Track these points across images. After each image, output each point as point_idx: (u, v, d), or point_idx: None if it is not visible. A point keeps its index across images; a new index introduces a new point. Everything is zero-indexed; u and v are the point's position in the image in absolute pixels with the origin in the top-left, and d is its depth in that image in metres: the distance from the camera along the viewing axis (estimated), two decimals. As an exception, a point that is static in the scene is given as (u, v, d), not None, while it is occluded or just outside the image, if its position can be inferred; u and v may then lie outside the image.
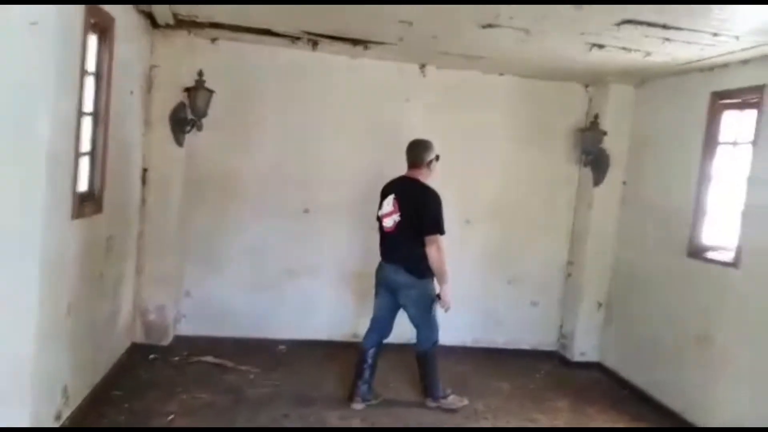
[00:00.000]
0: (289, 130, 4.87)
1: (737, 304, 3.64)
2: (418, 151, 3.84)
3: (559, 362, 5.15)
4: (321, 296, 5.02)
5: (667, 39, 3.39)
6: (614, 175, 4.98)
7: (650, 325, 4.46)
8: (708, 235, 4.01)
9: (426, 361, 3.97)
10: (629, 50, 3.72)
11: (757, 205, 3.55)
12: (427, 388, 3.99)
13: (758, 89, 3.61)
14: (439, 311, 3.89)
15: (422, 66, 4.96)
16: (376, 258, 4.11)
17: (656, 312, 4.41)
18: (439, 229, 3.70)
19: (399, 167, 4.96)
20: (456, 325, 5.05)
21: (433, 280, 3.80)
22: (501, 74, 5.07)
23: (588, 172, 5.09)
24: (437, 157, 3.91)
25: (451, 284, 3.80)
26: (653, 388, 4.37)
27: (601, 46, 3.68)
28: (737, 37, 3.29)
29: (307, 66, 4.81)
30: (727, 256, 3.76)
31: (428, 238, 3.67)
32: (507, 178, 5.20)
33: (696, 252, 4.04)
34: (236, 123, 4.80)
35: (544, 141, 5.19)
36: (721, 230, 3.92)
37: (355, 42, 4.29)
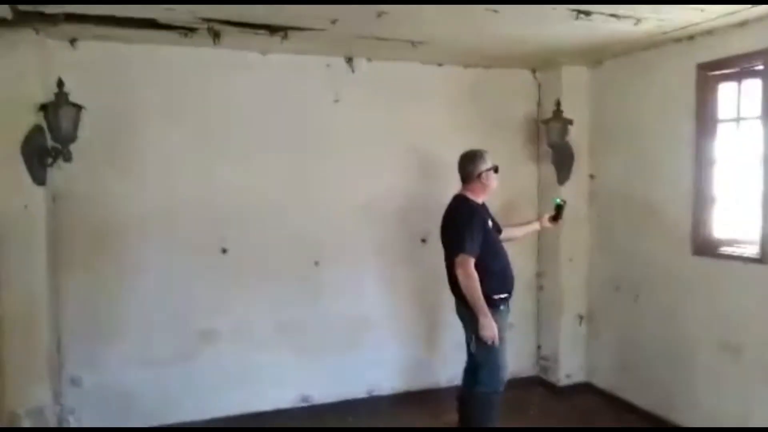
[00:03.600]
0: (188, 150, 3.77)
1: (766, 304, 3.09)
2: (463, 165, 3.41)
3: (545, 389, 4.45)
4: (252, 361, 3.94)
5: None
6: (579, 169, 4.37)
7: (652, 336, 3.87)
8: (720, 228, 3.45)
9: (471, 407, 3.32)
10: (619, 17, 3.05)
11: (781, 188, 3.03)
12: None
13: (763, 53, 3.08)
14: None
15: (349, 60, 4.06)
16: (321, 302, 3.67)
17: (658, 321, 3.82)
18: (461, 247, 3.09)
19: (340, 186, 4.10)
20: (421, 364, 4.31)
21: (494, 309, 3.16)
22: (440, 64, 4.29)
23: (548, 168, 4.44)
24: (495, 169, 3.34)
25: (486, 314, 3.12)
26: (664, 408, 3.77)
27: (587, 13, 2.98)
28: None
29: (206, 67, 3.75)
30: (750, 251, 3.21)
31: (455, 260, 3.16)
32: (454, 186, 4.40)
33: (705, 248, 3.47)
34: (116, 147, 3.64)
35: (495, 137, 4.43)
36: (735, 221, 3.38)
37: (272, 29, 3.28)
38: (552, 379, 4.46)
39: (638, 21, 3.11)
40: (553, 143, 4.20)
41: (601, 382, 4.33)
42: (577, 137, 4.30)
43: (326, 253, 4.09)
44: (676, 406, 3.69)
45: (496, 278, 3.20)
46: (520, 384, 4.49)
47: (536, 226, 3.72)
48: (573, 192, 4.34)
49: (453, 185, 4.30)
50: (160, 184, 3.72)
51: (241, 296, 3.90)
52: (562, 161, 4.28)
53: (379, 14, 3.02)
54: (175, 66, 3.70)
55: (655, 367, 3.85)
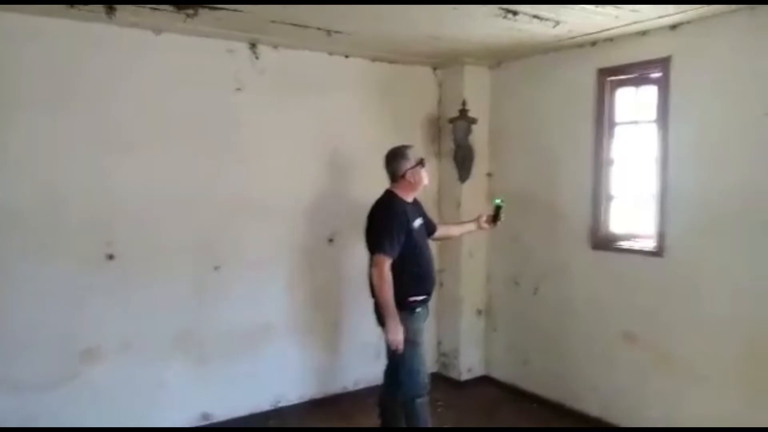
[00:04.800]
0: (67, 141, 3.22)
1: (665, 294, 3.38)
2: (386, 164, 3.24)
3: (447, 385, 4.48)
4: (144, 379, 3.49)
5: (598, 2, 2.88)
6: (478, 167, 4.46)
7: (551, 328, 4.06)
8: (617, 224, 3.71)
9: (388, 413, 3.28)
10: (541, 19, 3.13)
11: (675, 187, 3.31)
12: None
13: (661, 62, 3.34)
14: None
15: (253, 46, 3.74)
16: (221, 310, 3.56)
17: (557, 313, 4.02)
18: (378, 247, 3.00)
19: (242, 183, 3.77)
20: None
21: (409, 312, 3.07)
22: (347, 56, 4.13)
23: (449, 166, 4.48)
24: (421, 162, 3.16)
25: (394, 318, 2.98)
26: (562, 395, 3.99)
27: (515, 13, 3.02)
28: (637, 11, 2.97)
29: (94, 45, 3.23)
30: (647, 244, 3.48)
31: (372, 259, 3.03)
32: (362, 183, 4.28)
33: (604, 243, 3.71)
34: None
35: (400, 133, 4.35)
36: (631, 217, 3.64)
37: (180, 4, 2.88)
38: (453, 374, 4.52)
39: (557, 24, 3.22)
40: (458, 142, 4.24)
41: (502, 374, 4.48)
42: (478, 136, 4.39)
43: (227, 256, 3.74)
44: (574, 392, 3.92)
45: (415, 280, 3.08)
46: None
47: (472, 226, 3.59)
48: (472, 190, 4.44)
49: (361, 182, 4.21)
50: (33, 176, 3.14)
51: (130, 307, 3.43)
52: (464, 160, 4.34)
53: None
54: (58, 42, 3.14)
55: (554, 357, 4.05)
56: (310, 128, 4.00)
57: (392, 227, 3.02)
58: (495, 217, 3.45)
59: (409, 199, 3.22)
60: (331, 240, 4.13)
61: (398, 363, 3.12)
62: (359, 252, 4.20)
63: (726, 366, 3.10)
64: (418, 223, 3.18)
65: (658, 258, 3.39)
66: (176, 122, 3.52)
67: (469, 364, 4.52)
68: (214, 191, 3.66)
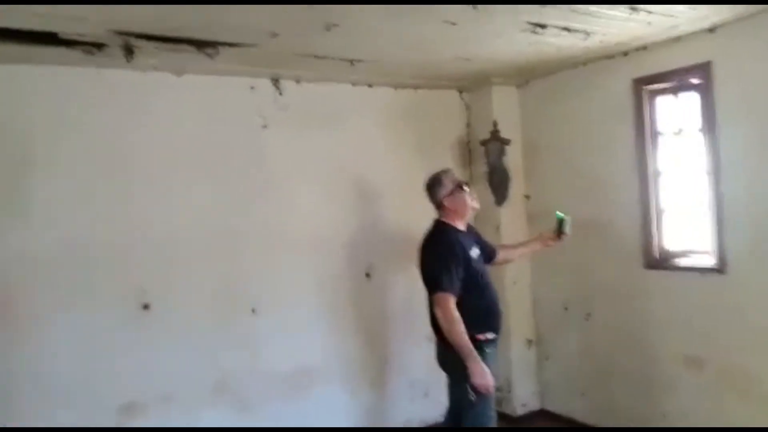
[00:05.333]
0: (91, 189, 3.19)
1: (730, 313, 3.11)
2: (428, 195, 3.03)
3: (503, 421, 4.20)
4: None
5: (633, 11, 2.72)
6: (514, 189, 4.29)
7: (607, 355, 3.80)
8: (672, 240, 3.47)
9: None
10: (570, 31, 2.98)
11: (730, 198, 3.08)
12: None
13: (701, 68, 3.15)
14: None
15: (276, 81, 3.69)
16: (262, 353, 3.43)
17: (613, 338, 3.76)
18: (438, 284, 2.73)
19: (273, 220, 3.69)
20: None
21: (477, 353, 2.73)
22: (370, 86, 4.05)
23: (484, 189, 4.30)
24: (460, 186, 2.95)
25: (475, 359, 2.68)
26: (630, 425, 3.71)
27: (543, 26, 2.88)
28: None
29: (114, 90, 3.22)
30: (706, 261, 3.24)
31: (433, 299, 2.77)
32: (395, 213, 4.16)
33: (658, 261, 3.47)
34: (8, 183, 3.01)
35: (430, 160, 4.21)
36: (686, 232, 3.41)
37: (199, 44, 2.85)
38: (508, 410, 4.26)
39: (587, 35, 3.07)
40: (491, 164, 4.09)
41: (558, 407, 4.20)
42: (511, 158, 4.23)
43: (263, 297, 3.63)
44: (639, 422, 3.63)
45: (481, 316, 2.80)
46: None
47: (537, 245, 3.34)
48: (511, 213, 4.26)
49: (393, 212, 4.09)
50: (59, 227, 3.10)
51: (168, 358, 3.33)
52: (500, 182, 4.18)
53: (328, 27, 2.72)
54: (77, 90, 3.14)
55: (613, 385, 3.78)
56: (338, 161, 3.90)
57: (447, 260, 2.76)
58: (559, 232, 3.19)
59: (461, 226, 2.96)
60: (368, 274, 3.98)
61: (466, 409, 2.80)
62: (398, 285, 4.10)
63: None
64: (475, 252, 2.92)
65: (719, 275, 3.13)
66: (202, 163, 3.47)
67: (523, 398, 4.27)
68: (244, 230, 3.57)
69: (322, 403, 3.77)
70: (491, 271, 3.12)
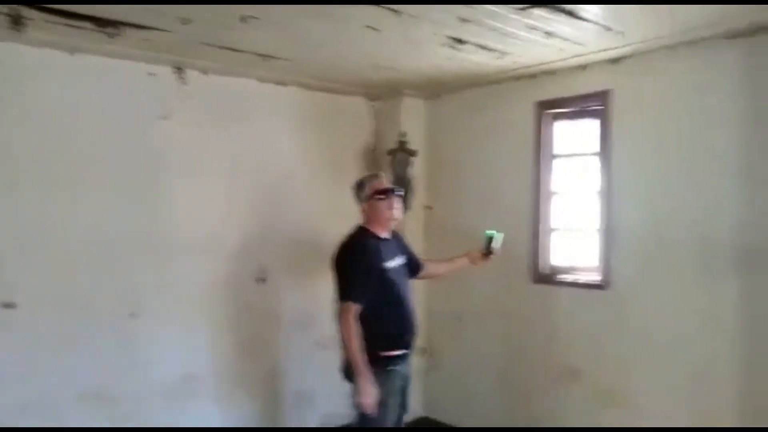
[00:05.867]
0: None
1: (610, 328, 3.34)
2: (354, 194, 2.95)
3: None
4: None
5: (549, 36, 2.84)
6: (416, 200, 4.34)
7: (496, 364, 3.94)
8: (559, 257, 3.67)
9: None
10: (487, 49, 3.07)
11: (618, 219, 3.31)
12: None
13: (601, 95, 3.37)
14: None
15: (179, 70, 3.46)
16: (139, 362, 3.13)
17: (501, 349, 3.91)
18: (343, 293, 2.64)
19: (164, 218, 3.44)
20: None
21: (382, 370, 2.68)
22: (280, 84, 3.92)
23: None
24: (378, 193, 2.80)
25: (364, 377, 2.63)
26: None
27: (462, 42, 2.93)
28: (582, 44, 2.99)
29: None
30: (591, 277, 3.45)
31: (338, 308, 2.68)
32: (296, 217, 4.05)
33: (545, 277, 3.66)
34: None
35: (334, 166, 4.23)
36: (574, 250, 3.61)
37: (101, 23, 2.58)
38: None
39: (503, 55, 3.17)
40: (397, 174, 4.10)
41: (443, 415, 4.29)
42: (415, 169, 4.27)
43: (145, 301, 3.36)
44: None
45: (389, 331, 2.72)
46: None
47: (464, 261, 3.22)
48: (411, 223, 4.30)
49: (293, 216, 3.98)
50: None
51: (32, 363, 2.98)
52: (404, 192, 4.19)
53: (244, 19, 2.58)
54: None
55: (499, 395, 3.93)
56: (240, 159, 3.73)
57: (358, 268, 2.68)
58: (488, 251, 3.14)
59: (383, 234, 2.85)
60: (262, 279, 3.83)
61: (360, 424, 2.75)
62: (293, 291, 4.00)
63: (672, 400, 3.08)
64: (395, 262, 2.83)
65: (602, 291, 3.36)
66: (90, 152, 3.16)
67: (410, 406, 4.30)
68: (129, 228, 3.29)
69: (203, 412, 3.58)
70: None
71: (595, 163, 3.43)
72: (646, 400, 3.17)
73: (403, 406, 2.94)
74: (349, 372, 2.73)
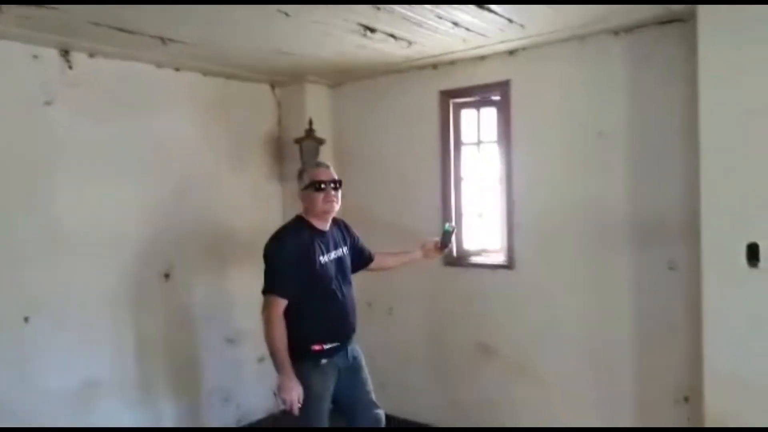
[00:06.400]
0: None
1: (517, 306, 3.53)
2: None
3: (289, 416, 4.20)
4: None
5: (455, 26, 2.92)
6: (324, 189, 4.31)
7: (409, 348, 4.04)
8: (468, 241, 3.80)
9: None
10: (396, 38, 3.09)
11: (519, 203, 3.49)
12: None
13: (500, 86, 3.53)
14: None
15: (65, 53, 3.17)
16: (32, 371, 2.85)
17: (413, 332, 4.01)
18: (267, 284, 2.59)
19: (56, 213, 3.17)
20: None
21: (312, 364, 2.63)
22: (177, 69, 3.71)
23: (294, 189, 4.22)
24: (314, 184, 2.67)
25: (285, 372, 2.55)
26: (423, 414, 3.98)
27: (373, 30, 2.94)
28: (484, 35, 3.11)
29: None
30: (499, 258, 3.62)
31: (263, 300, 2.61)
32: (200, 209, 3.88)
33: (455, 259, 3.79)
34: None
35: (239, 154, 4.10)
36: (482, 233, 3.77)
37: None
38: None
39: (410, 44, 3.22)
40: (306, 163, 4.03)
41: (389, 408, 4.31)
42: (323, 157, 4.23)
43: (41, 304, 3.08)
44: (434, 409, 3.93)
45: (321, 323, 2.63)
46: (278, 419, 4.21)
47: (417, 254, 3.18)
48: (320, 212, 4.27)
49: (197, 208, 3.82)
50: None
51: None
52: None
53: (148, -2, 2.41)
54: None
55: (413, 377, 4.03)
56: (136, 149, 3.48)
57: (285, 260, 2.57)
58: (443, 243, 3.15)
59: (321, 225, 2.73)
60: (167, 275, 3.64)
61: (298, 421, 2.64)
62: (200, 286, 3.84)
63: (576, 369, 3.33)
64: (332, 255, 2.74)
65: (508, 271, 3.54)
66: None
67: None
68: (18, 225, 2.99)
69: (108, 418, 3.35)
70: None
71: (497, 150, 3.59)
72: (554, 370, 3.40)
73: (365, 400, 2.85)
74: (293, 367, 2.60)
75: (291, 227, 2.73)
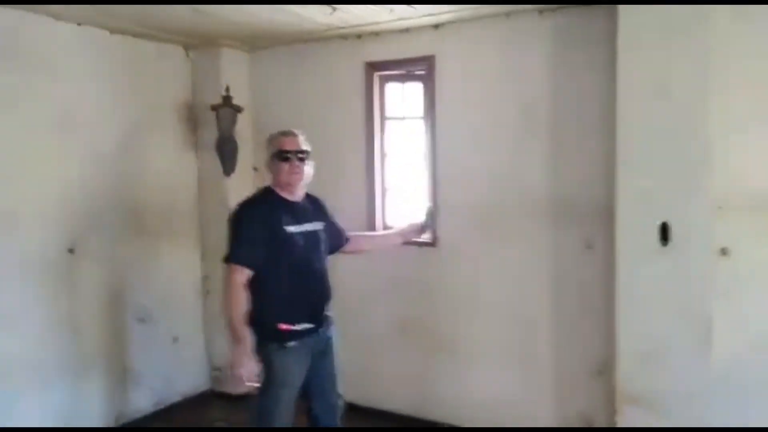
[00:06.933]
0: None
1: (442, 282, 3.54)
2: None
3: (223, 401, 4.06)
4: None
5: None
6: (243, 161, 4.10)
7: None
8: (393, 217, 3.75)
9: None
10: (320, 3, 2.94)
11: (443, 179, 3.48)
12: None
13: (426, 60, 3.46)
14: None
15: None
16: None
17: (337, 309, 3.92)
18: (229, 253, 2.47)
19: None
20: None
21: (278, 345, 2.47)
22: (79, 24, 3.37)
23: (210, 158, 4.03)
24: (279, 153, 2.55)
25: (240, 345, 2.42)
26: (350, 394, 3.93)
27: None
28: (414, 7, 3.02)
29: None
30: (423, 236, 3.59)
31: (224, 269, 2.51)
32: (108, 178, 3.59)
33: (380, 236, 3.73)
34: None
35: (151, 121, 3.83)
36: (408, 209, 3.72)
37: None
38: (228, 388, 4.11)
39: (333, 10, 3.07)
40: (222, 131, 3.82)
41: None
42: (241, 127, 4.03)
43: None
44: (358, 389, 3.88)
45: (289, 301, 2.49)
46: (195, 402, 4.06)
47: (398, 239, 3.17)
48: (238, 184, 4.05)
49: (105, 179, 3.54)
50: None
51: None
52: (230, 152, 3.94)
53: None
54: None
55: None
56: (32, 112, 3.16)
57: (249, 229, 2.46)
58: (425, 225, 3.13)
59: (290, 197, 2.60)
60: (71, 250, 3.36)
61: (251, 404, 2.55)
62: (108, 262, 3.59)
63: (497, 342, 3.40)
64: (304, 228, 2.58)
65: (433, 248, 3.53)
66: None
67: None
68: None
69: (17, 408, 3.11)
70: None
71: (422, 126, 3.55)
72: (474, 345, 3.46)
73: (325, 386, 2.73)
74: (257, 346, 2.46)
75: (258, 196, 2.64)
